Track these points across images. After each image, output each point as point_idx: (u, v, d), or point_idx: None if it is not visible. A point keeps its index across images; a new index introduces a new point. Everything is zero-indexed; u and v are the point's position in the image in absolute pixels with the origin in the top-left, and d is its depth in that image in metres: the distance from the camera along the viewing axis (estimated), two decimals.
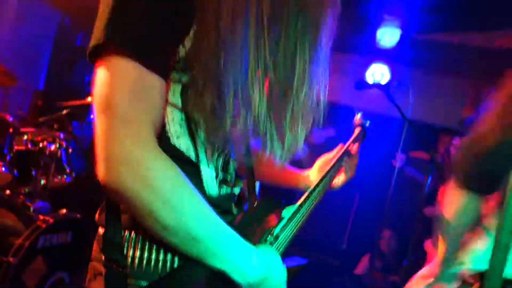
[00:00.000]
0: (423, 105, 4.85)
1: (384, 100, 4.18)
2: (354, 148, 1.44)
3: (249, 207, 1.02)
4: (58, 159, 2.68)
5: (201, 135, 0.86)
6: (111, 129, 0.74)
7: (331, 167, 1.30)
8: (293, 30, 0.85)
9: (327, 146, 1.50)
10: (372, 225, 4.72)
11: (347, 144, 1.43)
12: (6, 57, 4.70)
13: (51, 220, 2.34)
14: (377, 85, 3.08)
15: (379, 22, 4.14)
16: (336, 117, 4.78)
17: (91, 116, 3.75)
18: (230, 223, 0.90)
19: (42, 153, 2.61)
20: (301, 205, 1.09)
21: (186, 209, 0.77)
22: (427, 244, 3.94)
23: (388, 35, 4.26)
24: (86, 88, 5.02)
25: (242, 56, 0.79)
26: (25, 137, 2.57)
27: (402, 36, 4.20)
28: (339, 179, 1.40)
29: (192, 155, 0.87)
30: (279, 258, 0.93)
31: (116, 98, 0.74)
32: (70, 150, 2.79)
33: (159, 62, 0.77)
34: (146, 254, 0.84)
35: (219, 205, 0.93)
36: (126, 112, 0.74)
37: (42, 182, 2.62)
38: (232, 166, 0.97)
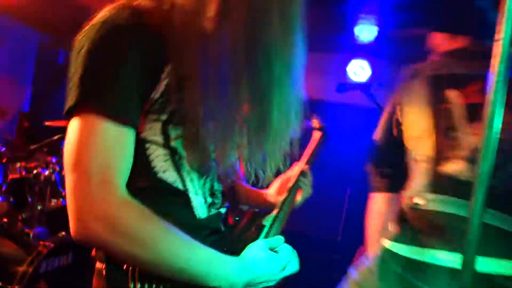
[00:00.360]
0: None
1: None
2: (306, 167, 1.40)
3: (234, 224, 1.08)
4: (53, 183, 2.72)
5: (186, 166, 0.90)
6: (81, 186, 0.77)
7: (291, 190, 1.30)
8: (268, 73, 0.88)
9: (304, 138, 1.52)
10: (364, 218, 4.80)
11: (308, 152, 1.41)
12: None
13: (51, 245, 2.38)
14: (358, 86, 3.17)
15: (357, 20, 4.22)
16: (323, 114, 4.86)
17: None
18: (219, 241, 0.96)
19: (37, 179, 2.64)
20: (280, 207, 1.17)
21: (162, 247, 0.81)
22: None
23: (365, 32, 4.35)
24: None
25: (224, 98, 0.84)
26: (19, 164, 2.61)
27: (379, 32, 4.29)
28: (298, 198, 1.37)
29: (179, 186, 0.91)
30: (259, 257, 0.96)
31: (85, 154, 0.78)
32: (63, 173, 2.83)
33: (127, 114, 0.81)
34: (147, 286, 0.88)
35: (209, 226, 0.98)
36: (94, 167, 0.77)
37: (39, 207, 2.65)
38: (218, 188, 1.02)
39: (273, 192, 1.38)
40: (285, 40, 0.90)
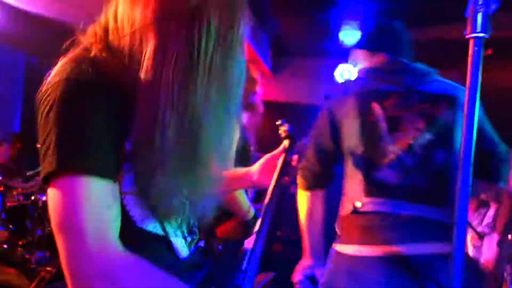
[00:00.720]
0: None
1: None
2: (294, 158, 1.43)
3: (214, 254, 1.09)
4: None
5: (161, 210, 0.90)
6: (77, 246, 0.76)
7: (276, 184, 1.30)
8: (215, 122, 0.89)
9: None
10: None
11: (281, 161, 1.41)
12: None
13: (53, 270, 2.40)
14: None
15: (341, 26, 4.31)
16: (315, 118, 4.93)
17: None
18: (206, 277, 0.98)
19: (35, 205, 2.66)
20: (259, 231, 1.14)
21: None
22: None
23: (349, 36, 4.43)
24: None
25: (174, 144, 0.84)
26: (16, 192, 2.63)
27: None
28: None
29: (159, 231, 0.91)
30: None
31: (76, 215, 0.76)
32: None
33: (108, 168, 0.80)
34: None
35: (191, 262, 0.99)
36: (88, 226, 0.76)
37: (39, 232, 2.67)
38: (194, 224, 1.04)
39: (256, 170, 1.41)
40: (224, 67, 0.88)
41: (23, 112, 5.53)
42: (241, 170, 1.46)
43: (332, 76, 5.06)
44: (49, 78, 0.83)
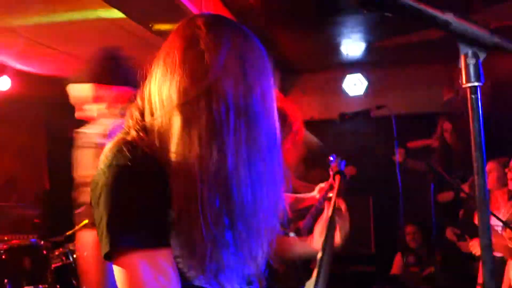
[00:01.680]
0: (406, 98, 5.09)
1: (371, 103, 4.39)
2: (343, 206, 1.48)
3: None
4: None
5: (211, 269, 0.93)
6: None
7: (327, 230, 1.32)
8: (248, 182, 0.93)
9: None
10: (393, 224, 4.84)
11: (334, 196, 1.47)
12: (10, 168, 4.87)
13: None
14: (358, 114, 3.32)
15: (344, 38, 4.38)
16: (329, 132, 4.99)
17: None
18: None
19: (77, 262, 2.76)
20: (317, 279, 1.20)
21: None
22: (449, 232, 4.05)
23: (354, 48, 4.49)
24: None
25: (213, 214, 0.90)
26: (57, 252, 2.73)
27: (368, 45, 4.44)
28: (338, 237, 1.45)
29: (214, 285, 0.95)
30: None
31: None
32: None
33: (157, 240, 0.86)
34: None
35: None
36: None
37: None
38: (252, 273, 1.05)
39: (317, 237, 1.46)
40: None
41: (50, 167, 5.67)
42: (301, 240, 1.55)
43: (341, 88, 5.12)
44: (99, 165, 0.92)
